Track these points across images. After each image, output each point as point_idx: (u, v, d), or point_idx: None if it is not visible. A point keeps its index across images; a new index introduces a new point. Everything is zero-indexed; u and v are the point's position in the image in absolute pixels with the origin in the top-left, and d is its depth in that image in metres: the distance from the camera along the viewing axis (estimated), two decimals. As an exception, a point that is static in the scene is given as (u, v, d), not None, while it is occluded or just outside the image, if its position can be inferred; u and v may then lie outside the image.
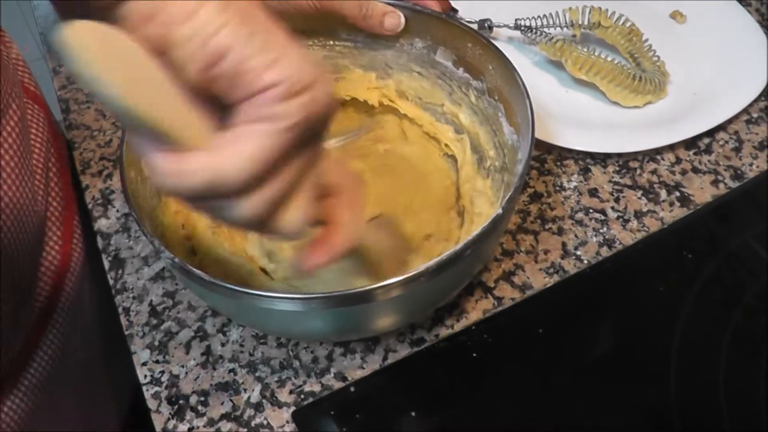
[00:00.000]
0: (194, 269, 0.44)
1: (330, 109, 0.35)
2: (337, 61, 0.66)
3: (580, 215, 0.63)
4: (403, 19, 0.60)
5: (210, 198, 0.33)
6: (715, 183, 0.66)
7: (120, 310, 0.59)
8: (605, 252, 0.61)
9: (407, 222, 0.60)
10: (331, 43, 0.65)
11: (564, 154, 0.68)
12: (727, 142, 0.69)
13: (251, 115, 0.32)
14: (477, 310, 0.58)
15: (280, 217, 0.36)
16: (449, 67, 0.62)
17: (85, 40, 0.29)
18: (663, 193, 0.65)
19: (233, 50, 0.31)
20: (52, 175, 0.60)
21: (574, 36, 0.75)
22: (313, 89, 0.33)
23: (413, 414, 0.52)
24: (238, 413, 0.53)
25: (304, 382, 0.54)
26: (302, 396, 0.54)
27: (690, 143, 0.69)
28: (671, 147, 0.68)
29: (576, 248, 0.61)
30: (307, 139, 0.34)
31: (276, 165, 0.33)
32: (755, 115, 0.71)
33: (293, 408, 0.53)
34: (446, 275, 0.46)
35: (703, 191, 0.65)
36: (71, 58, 0.28)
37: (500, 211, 0.46)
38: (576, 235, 0.62)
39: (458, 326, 0.57)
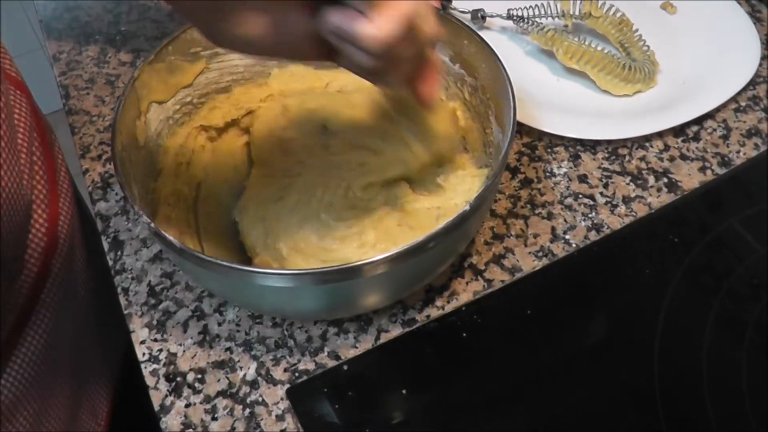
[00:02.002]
0: (171, 239, 0.46)
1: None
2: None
3: (569, 200, 0.65)
4: None
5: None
6: (702, 170, 0.67)
7: (119, 290, 0.60)
8: (593, 236, 0.62)
9: None
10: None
11: (554, 141, 0.69)
12: (715, 129, 0.70)
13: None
14: (467, 292, 0.59)
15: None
16: (446, 62, 0.63)
17: None
18: (651, 179, 0.66)
19: None
20: (36, 159, 0.61)
21: (566, 26, 0.76)
22: None
23: (404, 392, 0.53)
24: (234, 390, 0.55)
25: (299, 361, 0.56)
26: (296, 374, 0.55)
27: (678, 131, 0.70)
28: (660, 134, 0.69)
29: (565, 232, 0.63)
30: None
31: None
32: (743, 104, 0.72)
33: (287, 385, 0.54)
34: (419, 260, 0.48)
35: (690, 178, 0.66)
36: None
37: (467, 207, 0.47)
38: (565, 220, 0.63)
39: (449, 307, 0.58)
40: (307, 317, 0.58)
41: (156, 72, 0.59)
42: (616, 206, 0.64)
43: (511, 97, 0.54)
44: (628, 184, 0.66)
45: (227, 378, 0.55)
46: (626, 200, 0.65)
